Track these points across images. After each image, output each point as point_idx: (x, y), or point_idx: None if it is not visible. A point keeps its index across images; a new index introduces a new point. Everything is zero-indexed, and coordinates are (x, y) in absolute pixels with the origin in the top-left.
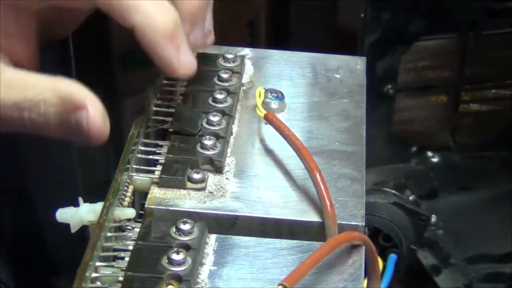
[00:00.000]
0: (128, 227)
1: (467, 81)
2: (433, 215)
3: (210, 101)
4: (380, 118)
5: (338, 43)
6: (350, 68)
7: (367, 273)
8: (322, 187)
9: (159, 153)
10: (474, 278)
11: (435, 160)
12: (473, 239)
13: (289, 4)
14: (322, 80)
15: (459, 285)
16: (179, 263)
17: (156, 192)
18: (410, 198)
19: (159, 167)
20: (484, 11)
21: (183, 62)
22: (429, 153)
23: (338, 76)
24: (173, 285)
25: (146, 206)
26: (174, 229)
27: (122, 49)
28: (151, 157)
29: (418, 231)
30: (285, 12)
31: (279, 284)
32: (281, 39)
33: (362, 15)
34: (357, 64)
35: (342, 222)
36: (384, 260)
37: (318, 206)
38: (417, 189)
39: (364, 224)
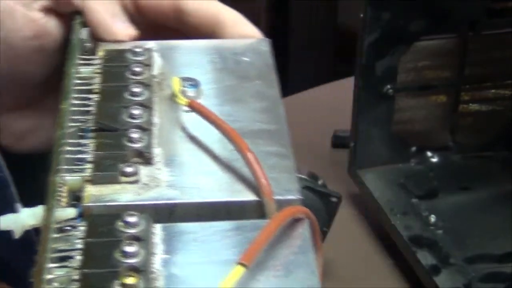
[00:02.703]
0: (73, 227)
1: (467, 81)
2: (433, 215)
3: (127, 95)
4: (380, 118)
5: (338, 43)
6: (256, 50)
7: None
8: (256, 166)
9: (86, 152)
10: (474, 278)
11: (434, 160)
12: (473, 239)
13: (289, 4)
14: (232, 64)
15: (459, 285)
16: (133, 255)
17: (91, 190)
18: (319, 182)
19: (89, 165)
20: (484, 11)
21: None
22: (429, 153)
23: (246, 59)
24: (132, 276)
25: (83, 204)
26: (120, 223)
27: None
28: (79, 156)
29: (330, 212)
30: (285, 12)
31: (239, 263)
32: (281, 39)
33: (362, 15)
34: (262, 46)
35: (279, 198)
36: None
37: (251, 185)
38: (416, 189)
39: (301, 197)
